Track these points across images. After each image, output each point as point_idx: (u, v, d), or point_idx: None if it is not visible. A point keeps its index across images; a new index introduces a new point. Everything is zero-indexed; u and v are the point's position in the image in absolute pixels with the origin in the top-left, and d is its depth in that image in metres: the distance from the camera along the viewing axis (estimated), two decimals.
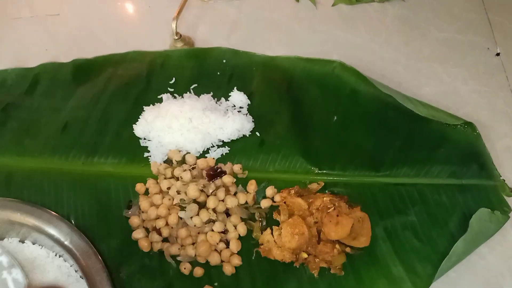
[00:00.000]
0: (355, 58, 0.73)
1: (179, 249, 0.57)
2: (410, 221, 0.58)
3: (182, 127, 0.64)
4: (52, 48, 0.79)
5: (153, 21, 0.81)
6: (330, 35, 0.77)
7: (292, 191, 0.59)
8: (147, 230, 0.59)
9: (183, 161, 0.63)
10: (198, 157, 0.63)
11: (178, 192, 0.59)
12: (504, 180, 0.61)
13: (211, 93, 0.69)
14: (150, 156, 0.64)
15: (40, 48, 0.79)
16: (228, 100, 0.68)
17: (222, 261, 0.57)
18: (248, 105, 0.67)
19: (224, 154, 0.64)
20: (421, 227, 0.58)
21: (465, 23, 0.77)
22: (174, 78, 0.70)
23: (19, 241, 0.57)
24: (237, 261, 0.56)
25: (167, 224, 0.58)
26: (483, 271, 0.58)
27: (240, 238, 0.58)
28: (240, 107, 0.67)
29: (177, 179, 0.61)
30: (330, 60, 0.69)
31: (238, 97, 0.67)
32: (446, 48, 0.74)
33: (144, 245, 0.58)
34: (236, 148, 0.64)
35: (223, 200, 0.59)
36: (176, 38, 0.74)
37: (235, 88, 0.68)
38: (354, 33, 0.77)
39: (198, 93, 0.69)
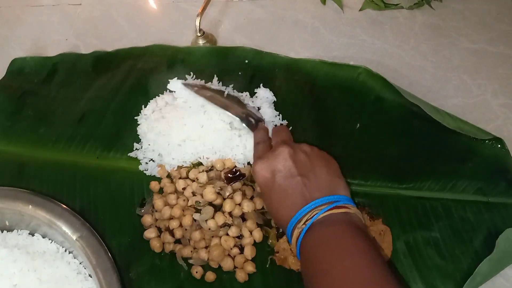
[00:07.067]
0: (381, 64, 0.71)
1: (191, 251, 0.56)
2: (433, 236, 0.56)
3: None
4: (73, 37, 0.78)
5: (176, 15, 0.80)
6: (356, 39, 0.75)
7: None
8: (159, 230, 0.58)
9: (199, 163, 0.61)
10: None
11: (194, 194, 0.58)
12: None
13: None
14: None
15: (61, 37, 0.78)
16: (255, 97, 0.66)
17: (235, 267, 0.55)
18: (274, 102, 0.66)
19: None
20: (444, 243, 0.56)
21: (497, 35, 0.74)
22: (194, 76, 0.68)
23: (29, 233, 0.56)
24: (251, 268, 0.54)
25: (180, 225, 0.57)
26: None
27: (255, 244, 0.56)
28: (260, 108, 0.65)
29: (193, 180, 0.59)
30: (355, 65, 0.67)
31: (264, 94, 0.66)
32: (476, 59, 0.72)
33: (156, 245, 0.56)
34: None
35: (239, 204, 0.57)
36: (199, 35, 0.72)
37: (261, 85, 0.66)
38: (381, 38, 0.75)
39: None
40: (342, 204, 0.50)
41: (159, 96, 0.66)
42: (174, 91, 0.65)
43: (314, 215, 0.48)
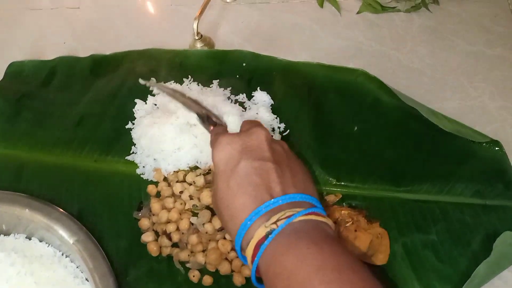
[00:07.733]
0: (379, 66, 0.71)
1: (188, 255, 0.56)
2: (430, 239, 0.56)
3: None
4: (71, 41, 0.78)
5: (174, 19, 0.80)
6: (354, 42, 0.75)
7: None
8: (156, 234, 0.57)
9: (196, 166, 0.61)
10: None
11: (191, 197, 0.58)
12: None
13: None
14: None
15: (59, 40, 0.78)
16: (251, 101, 0.66)
17: (232, 271, 0.55)
18: (272, 105, 0.66)
19: None
20: (442, 246, 0.56)
21: (494, 37, 0.74)
22: (192, 79, 0.68)
23: (26, 237, 0.56)
24: (248, 271, 0.54)
25: (177, 229, 0.56)
26: None
27: None
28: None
29: (190, 183, 0.59)
30: (353, 68, 0.67)
31: (261, 97, 0.66)
32: (473, 62, 0.72)
33: (153, 249, 0.56)
34: None
35: None
36: (197, 38, 0.73)
37: (258, 88, 0.66)
38: (379, 41, 0.75)
39: None
40: (320, 212, 0.41)
41: (148, 98, 0.66)
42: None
43: (291, 215, 0.38)
